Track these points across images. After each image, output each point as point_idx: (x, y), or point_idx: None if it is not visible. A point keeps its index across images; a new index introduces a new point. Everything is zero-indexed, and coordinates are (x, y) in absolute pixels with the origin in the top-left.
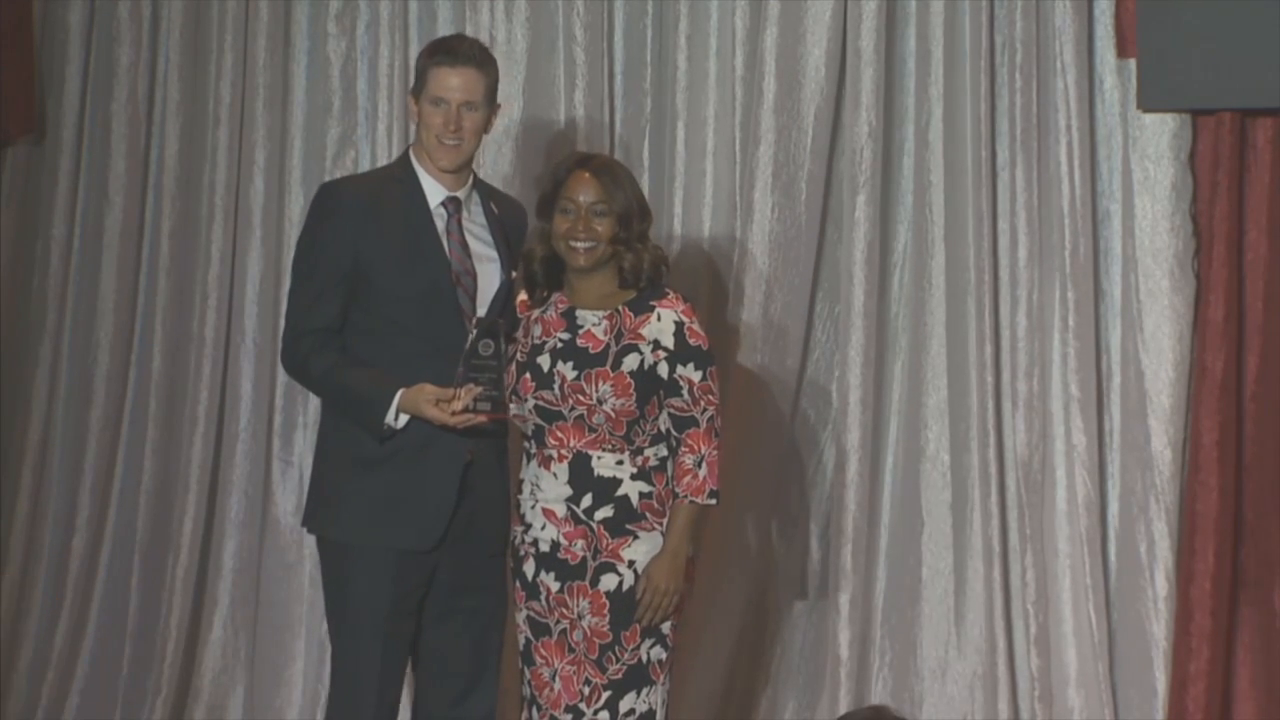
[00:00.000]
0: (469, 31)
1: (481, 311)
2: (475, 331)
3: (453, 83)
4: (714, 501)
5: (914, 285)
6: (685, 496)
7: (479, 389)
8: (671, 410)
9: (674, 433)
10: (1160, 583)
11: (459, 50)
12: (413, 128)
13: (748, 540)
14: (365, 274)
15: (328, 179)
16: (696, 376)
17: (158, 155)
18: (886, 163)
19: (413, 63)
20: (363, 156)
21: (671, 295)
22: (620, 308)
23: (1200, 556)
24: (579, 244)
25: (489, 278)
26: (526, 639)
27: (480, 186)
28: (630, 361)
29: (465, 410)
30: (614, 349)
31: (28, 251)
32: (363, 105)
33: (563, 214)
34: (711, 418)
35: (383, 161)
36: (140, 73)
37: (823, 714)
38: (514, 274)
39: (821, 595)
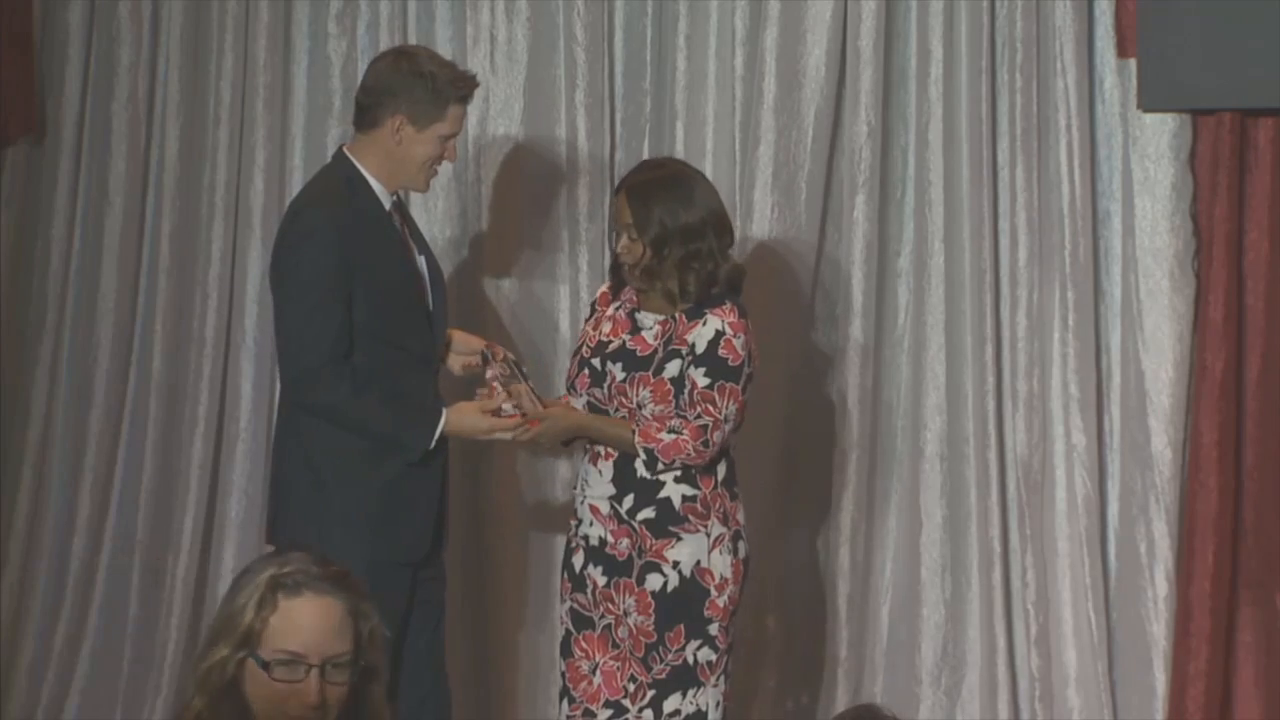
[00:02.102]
0: (469, 32)
1: (431, 305)
2: (485, 353)
3: (463, 119)
4: (642, 459)
5: (914, 285)
6: (635, 430)
7: (525, 397)
8: (679, 407)
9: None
10: (1160, 583)
11: (474, 86)
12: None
13: (747, 541)
14: (358, 292)
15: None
16: (702, 382)
17: (158, 155)
18: (886, 163)
19: None
20: None
21: (729, 305)
22: (676, 314)
23: (1200, 556)
24: (623, 263)
25: (424, 273)
26: (567, 631)
27: None
28: (672, 368)
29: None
30: (660, 355)
31: (28, 251)
32: None
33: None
34: (705, 426)
35: None
36: (140, 73)
37: (821, 714)
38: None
39: (820, 595)
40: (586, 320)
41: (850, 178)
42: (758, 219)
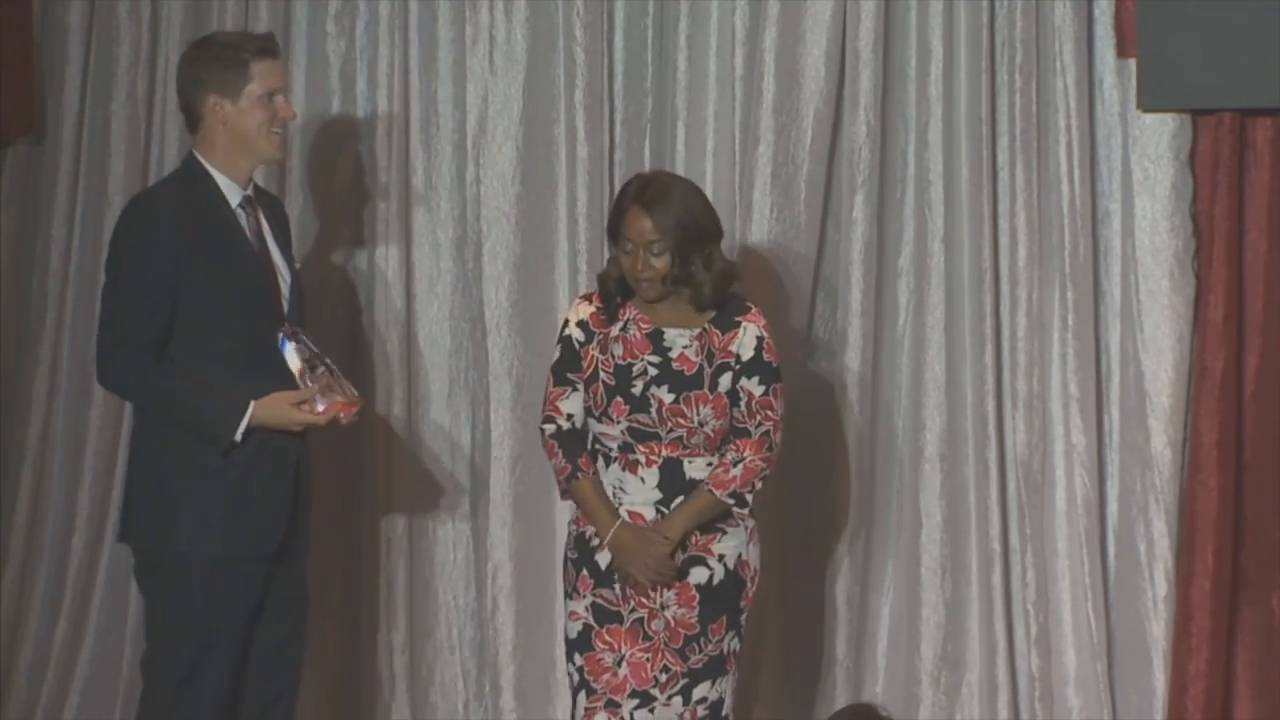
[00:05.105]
0: (469, 31)
1: (286, 306)
2: (286, 338)
3: (281, 73)
4: (732, 502)
5: (913, 285)
6: (707, 485)
7: (333, 383)
8: (733, 419)
9: (731, 439)
10: (1160, 583)
11: (272, 41)
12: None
13: None
14: (185, 281)
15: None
16: (758, 391)
17: (158, 155)
18: (886, 163)
19: (413, 63)
20: (362, 157)
21: (755, 310)
22: (707, 326)
23: (1200, 557)
24: (642, 281)
25: (283, 273)
26: (585, 625)
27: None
28: (724, 382)
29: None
30: (708, 370)
31: (28, 251)
32: (362, 105)
33: (625, 253)
34: (767, 432)
35: (382, 161)
36: (140, 73)
37: (821, 714)
38: (296, 265)
39: (820, 595)
40: (584, 344)
41: (850, 178)
42: (758, 219)
